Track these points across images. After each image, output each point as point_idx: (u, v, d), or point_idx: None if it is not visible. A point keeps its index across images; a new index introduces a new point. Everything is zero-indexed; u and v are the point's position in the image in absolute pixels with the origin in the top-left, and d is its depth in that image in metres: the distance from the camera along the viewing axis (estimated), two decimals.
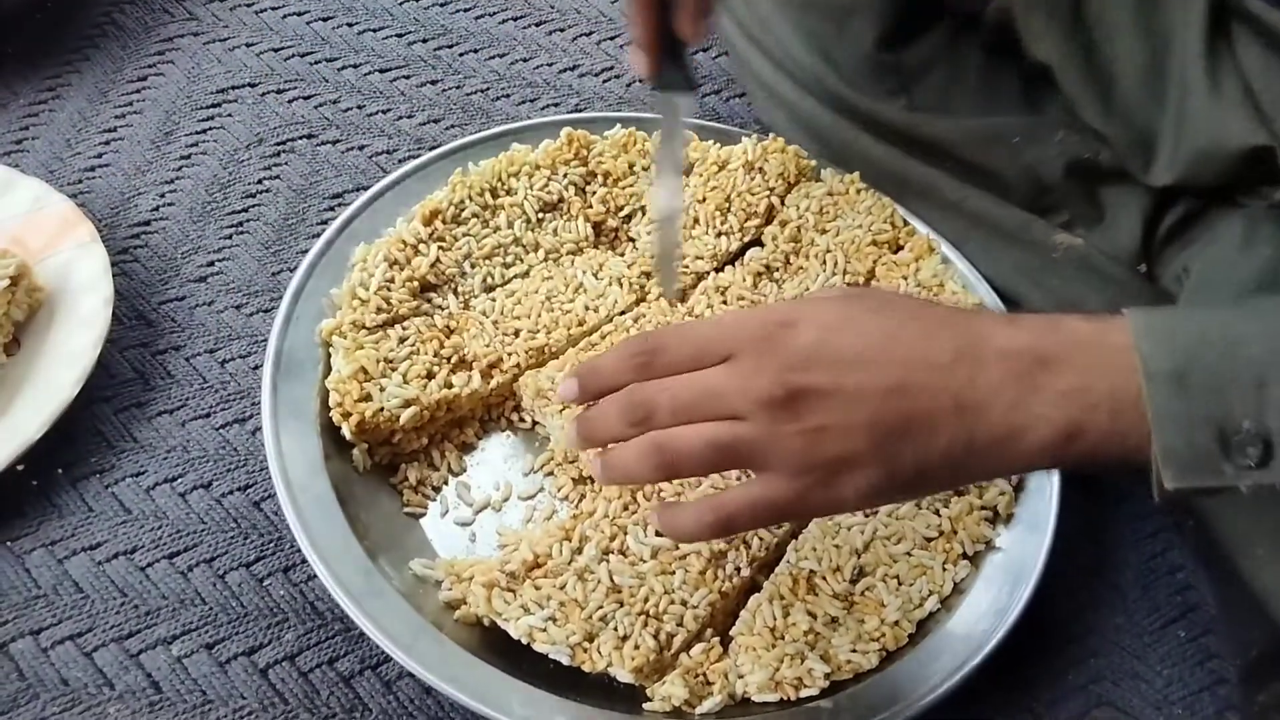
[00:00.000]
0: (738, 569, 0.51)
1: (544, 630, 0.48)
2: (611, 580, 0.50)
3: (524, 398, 0.58)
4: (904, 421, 0.39)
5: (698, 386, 0.41)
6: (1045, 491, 0.56)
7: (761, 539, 0.52)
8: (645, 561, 0.50)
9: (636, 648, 0.48)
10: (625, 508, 0.52)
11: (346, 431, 0.53)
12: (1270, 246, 0.54)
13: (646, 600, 0.49)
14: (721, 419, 0.41)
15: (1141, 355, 0.37)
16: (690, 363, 0.42)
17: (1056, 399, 0.38)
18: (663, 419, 0.42)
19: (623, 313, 0.61)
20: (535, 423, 0.58)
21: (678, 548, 0.51)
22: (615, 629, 0.48)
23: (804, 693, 0.49)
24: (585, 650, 0.48)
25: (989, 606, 0.52)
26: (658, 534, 0.51)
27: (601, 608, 0.49)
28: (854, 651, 0.50)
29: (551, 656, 0.48)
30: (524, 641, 0.48)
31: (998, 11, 0.64)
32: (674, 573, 0.50)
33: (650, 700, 0.48)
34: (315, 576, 0.52)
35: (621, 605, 0.49)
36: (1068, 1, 0.60)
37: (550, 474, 0.56)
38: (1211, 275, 0.54)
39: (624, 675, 0.47)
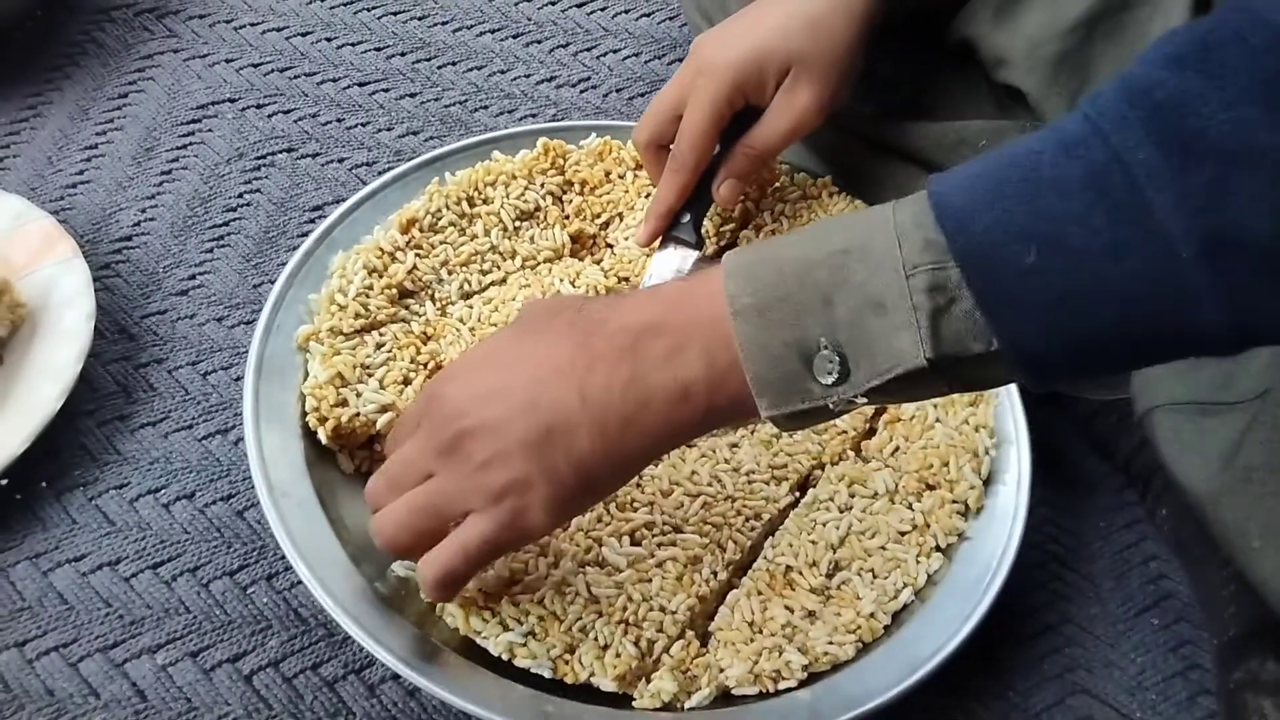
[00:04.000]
0: (714, 573, 0.51)
1: (524, 645, 0.48)
2: (589, 591, 0.49)
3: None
4: (546, 433, 0.41)
5: (395, 460, 0.45)
6: (1016, 484, 0.56)
7: (736, 542, 0.52)
8: (622, 571, 0.50)
9: (618, 656, 0.48)
10: (599, 519, 0.52)
11: (322, 436, 0.54)
12: None
13: (625, 609, 0.49)
14: (422, 483, 0.44)
15: (728, 295, 0.39)
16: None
17: (661, 363, 0.40)
18: (381, 497, 0.45)
19: None
20: None
21: (653, 555, 0.51)
22: (596, 639, 0.48)
23: (782, 685, 0.49)
24: (567, 662, 0.48)
25: (962, 597, 0.52)
26: (634, 543, 0.51)
27: (581, 619, 0.49)
28: (831, 643, 0.50)
29: (534, 671, 0.48)
30: (504, 658, 0.48)
31: (963, 39, 0.64)
32: (651, 580, 0.50)
33: (639, 699, 0.48)
34: (299, 583, 0.53)
35: (601, 615, 0.49)
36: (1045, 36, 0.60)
37: None
38: None
39: (607, 685, 0.47)
